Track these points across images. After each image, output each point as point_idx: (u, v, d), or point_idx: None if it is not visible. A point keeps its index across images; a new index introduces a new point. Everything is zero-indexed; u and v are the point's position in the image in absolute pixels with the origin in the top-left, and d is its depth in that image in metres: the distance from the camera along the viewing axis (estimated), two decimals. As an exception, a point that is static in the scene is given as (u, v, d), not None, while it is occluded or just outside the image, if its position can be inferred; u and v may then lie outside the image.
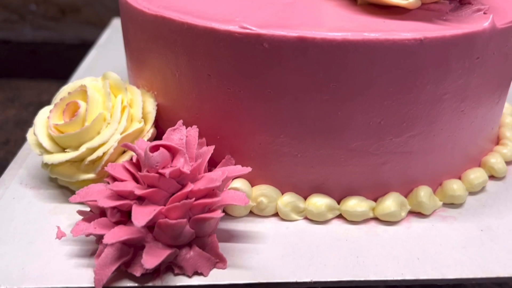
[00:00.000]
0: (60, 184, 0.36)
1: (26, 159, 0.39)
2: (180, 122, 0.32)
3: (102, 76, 0.36)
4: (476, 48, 0.30)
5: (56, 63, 1.14)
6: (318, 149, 0.32)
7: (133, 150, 0.30)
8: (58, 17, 1.16)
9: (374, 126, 0.31)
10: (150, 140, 0.35)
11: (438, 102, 0.31)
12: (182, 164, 0.29)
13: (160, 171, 0.28)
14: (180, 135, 0.31)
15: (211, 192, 0.29)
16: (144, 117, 0.35)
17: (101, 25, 1.15)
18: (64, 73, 1.05)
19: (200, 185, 0.29)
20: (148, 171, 0.29)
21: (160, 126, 0.37)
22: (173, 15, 0.31)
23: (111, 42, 0.63)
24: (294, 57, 0.28)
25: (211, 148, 0.32)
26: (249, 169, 0.31)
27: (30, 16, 1.14)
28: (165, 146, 0.29)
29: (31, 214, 0.34)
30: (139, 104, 0.35)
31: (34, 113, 1.03)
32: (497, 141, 0.41)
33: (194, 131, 0.32)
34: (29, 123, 0.97)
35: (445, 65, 0.29)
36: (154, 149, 0.29)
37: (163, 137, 0.31)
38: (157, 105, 0.36)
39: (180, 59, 0.32)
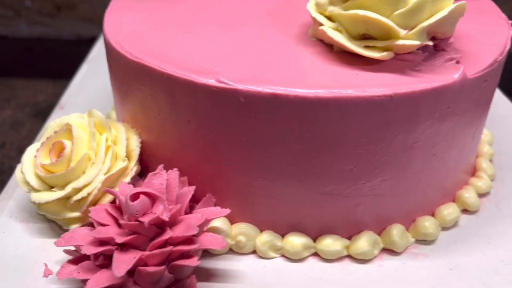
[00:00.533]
0: (48, 218, 0.37)
1: (16, 190, 0.40)
2: (161, 166, 0.33)
3: (88, 113, 0.37)
4: (446, 99, 0.31)
5: (52, 61, 1.14)
6: (294, 192, 0.33)
7: (115, 195, 0.31)
8: (53, 13, 1.16)
9: (347, 173, 0.32)
10: (133, 177, 0.36)
11: (409, 149, 0.32)
12: (161, 211, 0.30)
13: (140, 219, 0.30)
14: (160, 179, 0.32)
15: (189, 238, 0.31)
16: (128, 155, 0.36)
17: (97, 21, 1.15)
18: (60, 72, 1.06)
19: (179, 232, 0.30)
20: (128, 219, 0.30)
21: (145, 161, 0.38)
22: (153, 64, 0.32)
23: (102, 56, 0.64)
24: (269, 111, 0.29)
25: (192, 189, 0.34)
26: (227, 211, 0.33)
27: (25, 12, 1.14)
28: (145, 193, 0.31)
29: (20, 249, 0.35)
30: (123, 142, 0.36)
31: (30, 114, 1.03)
32: (474, 171, 0.42)
33: (174, 173, 0.33)
34: (25, 125, 0.97)
35: (415, 117, 0.30)
36: (135, 196, 0.30)
37: (145, 181, 0.33)
38: (141, 142, 0.37)
39: (161, 104, 0.33)
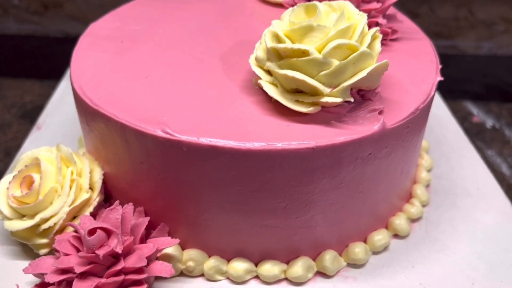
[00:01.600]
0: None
1: (-7, 213, 0.44)
2: (117, 202, 0.37)
3: (56, 147, 0.41)
4: (367, 147, 0.35)
5: (40, 59, 1.17)
6: (236, 224, 0.37)
7: (76, 229, 0.36)
8: (41, 11, 1.19)
9: (280, 209, 0.36)
10: (97, 206, 0.40)
11: (335, 189, 0.36)
12: (115, 244, 0.35)
13: (96, 251, 0.34)
14: (116, 214, 0.37)
15: (140, 268, 0.35)
16: (92, 186, 0.41)
17: (83, 20, 1.18)
18: (47, 72, 1.09)
19: (130, 263, 0.35)
20: (87, 251, 0.35)
21: (108, 188, 0.42)
22: (109, 112, 0.36)
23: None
24: (208, 160, 0.33)
25: (146, 220, 0.38)
26: (177, 241, 0.37)
27: (13, 10, 1.17)
28: (102, 228, 0.35)
29: (-5, 271, 0.40)
30: (86, 175, 0.40)
31: (17, 115, 1.06)
32: (409, 197, 0.46)
33: (129, 208, 0.38)
34: (12, 126, 1.00)
35: (338, 164, 0.34)
36: (93, 230, 0.35)
37: (102, 216, 0.37)
38: (104, 174, 0.41)
39: (118, 145, 0.37)
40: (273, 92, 0.35)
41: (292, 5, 0.46)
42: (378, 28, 0.35)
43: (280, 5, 0.51)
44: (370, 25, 0.43)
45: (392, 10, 0.47)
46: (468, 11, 1.12)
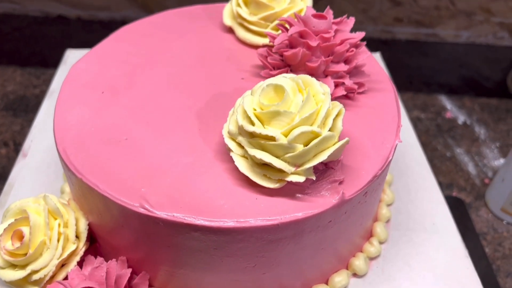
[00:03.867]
0: (15, 285, 0.45)
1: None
2: (102, 259, 0.41)
3: (43, 198, 0.44)
4: (327, 216, 0.39)
5: (20, 42, 1.16)
6: (210, 279, 0.42)
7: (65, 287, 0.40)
8: (20, -9, 1.17)
9: (249, 268, 0.40)
10: (82, 257, 0.44)
11: (298, 251, 0.40)
12: (101, 302, 0.39)
13: (84, 309, 0.38)
14: (101, 272, 0.40)
15: (123, 321, 0.40)
16: (78, 235, 0.44)
17: (63, 1, 1.17)
18: (27, 57, 1.09)
19: (114, 318, 0.39)
20: (75, 308, 0.39)
21: (93, 232, 0.46)
22: (92, 184, 0.39)
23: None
24: (183, 234, 0.37)
25: (128, 272, 0.42)
26: (156, 294, 0.42)
27: (-9, -10, 1.15)
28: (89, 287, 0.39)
29: (-9, 313, 0.44)
30: (73, 226, 0.44)
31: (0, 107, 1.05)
32: (370, 235, 0.51)
33: (113, 263, 0.41)
34: (-6, 120, 1.00)
35: (300, 233, 0.38)
36: (81, 289, 0.39)
37: (89, 273, 0.41)
38: (89, 224, 0.45)
39: (100, 209, 0.40)
40: (243, 168, 0.38)
41: (266, 57, 0.48)
42: (342, 106, 0.38)
43: (256, 47, 0.53)
44: (337, 85, 0.46)
45: (363, 61, 0.49)
46: (449, 1, 1.13)
